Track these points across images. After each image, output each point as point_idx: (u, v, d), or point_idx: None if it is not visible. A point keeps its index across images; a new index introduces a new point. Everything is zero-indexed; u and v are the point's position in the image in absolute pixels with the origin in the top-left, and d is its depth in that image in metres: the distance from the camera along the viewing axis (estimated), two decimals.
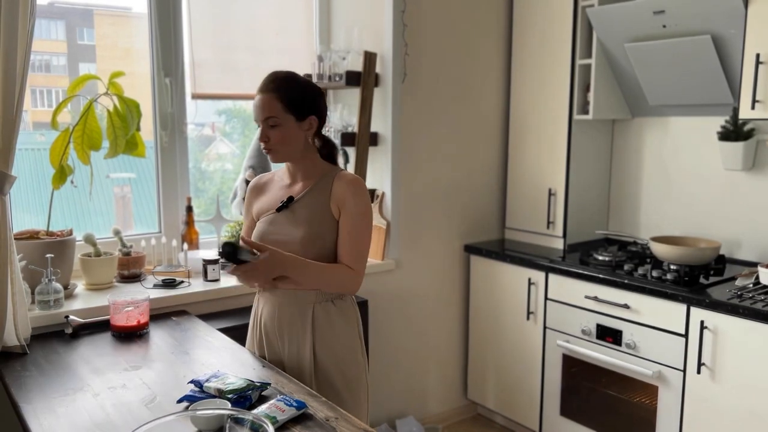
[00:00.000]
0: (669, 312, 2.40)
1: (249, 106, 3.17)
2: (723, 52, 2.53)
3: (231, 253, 1.66)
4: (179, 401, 1.54)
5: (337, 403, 1.73)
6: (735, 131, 2.67)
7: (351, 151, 2.90)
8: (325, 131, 2.95)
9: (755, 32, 2.34)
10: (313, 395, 1.60)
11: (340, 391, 1.81)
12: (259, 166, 2.79)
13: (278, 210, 1.82)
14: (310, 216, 1.78)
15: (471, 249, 3.22)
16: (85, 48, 2.65)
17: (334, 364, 1.81)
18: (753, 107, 2.37)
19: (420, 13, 2.92)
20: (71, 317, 2.07)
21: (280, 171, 1.93)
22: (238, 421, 1.18)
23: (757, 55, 2.33)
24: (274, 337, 1.86)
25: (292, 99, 1.75)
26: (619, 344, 2.57)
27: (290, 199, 1.81)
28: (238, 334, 2.19)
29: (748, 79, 2.37)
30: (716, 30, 2.48)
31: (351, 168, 2.88)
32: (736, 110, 2.61)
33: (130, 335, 2.05)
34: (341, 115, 2.90)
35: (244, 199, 2.76)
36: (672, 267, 2.58)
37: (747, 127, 2.66)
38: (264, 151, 1.79)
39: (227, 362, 1.83)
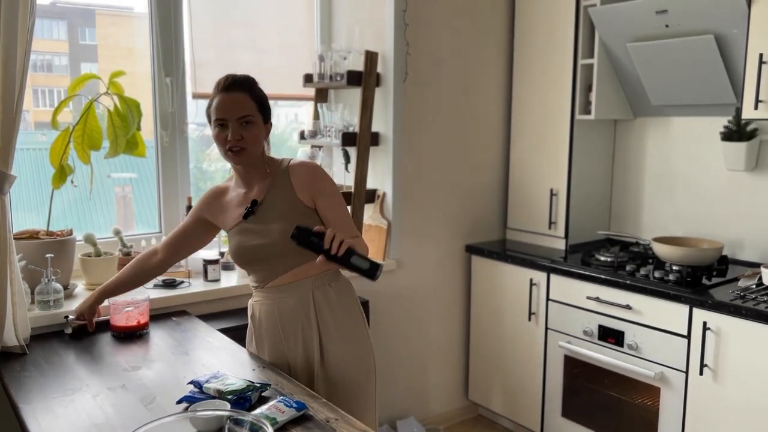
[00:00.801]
0: (671, 313, 2.39)
1: None
2: (726, 52, 2.52)
3: (305, 232, 1.61)
4: (179, 402, 1.53)
5: (350, 383, 1.81)
6: (738, 131, 2.66)
7: (352, 151, 2.89)
8: (320, 130, 2.98)
9: (758, 32, 2.33)
10: (313, 396, 1.60)
11: (350, 372, 1.83)
12: None
13: (245, 217, 1.81)
14: (282, 211, 1.78)
15: (472, 249, 3.21)
16: (86, 48, 2.65)
17: (341, 344, 1.83)
18: (756, 107, 2.36)
19: (421, 12, 2.91)
20: (71, 317, 2.06)
21: (231, 182, 1.92)
22: (237, 422, 1.18)
23: (761, 55, 2.31)
24: (276, 336, 1.86)
25: (261, 101, 1.79)
26: (621, 345, 2.56)
27: (254, 202, 1.81)
28: (238, 335, 2.18)
29: (751, 79, 2.36)
30: (719, 30, 2.47)
31: (352, 168, 2.88)
32: (738, 110, 2.60)
33: (130, 335, 2.05)
34: (342, 114, 2.90)
35: None
36: (674, 268, 2.57)
37: (750, 128, 2.65)
38: (230, 152, 1.75)
39: (227, 363, 1.82)
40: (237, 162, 1.79)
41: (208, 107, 1.80)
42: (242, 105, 1.74)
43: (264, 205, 1.80)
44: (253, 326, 1.93)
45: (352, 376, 1.84)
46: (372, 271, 1.62)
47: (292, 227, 1.69)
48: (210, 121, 1.79)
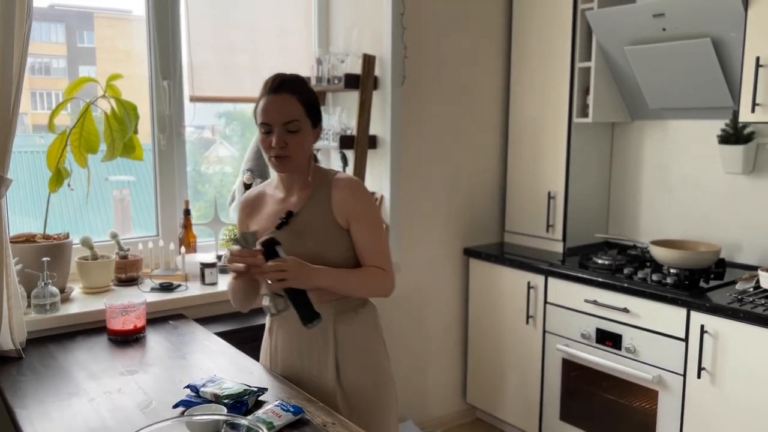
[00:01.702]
0: (669, 316, 2.39)
1: (249, 109, 3.16)
2: (723, 55, 2.52)
3: (270, 245, 1.54)
4: (175, 406, 1.53)
5: (368, 412, 1.71)
6: (735, 134, 2.66)
7: (350, 154, 2.89)
8: (322, 136, 2.97)
9: (755, 35, 2.33)
10: (310, 400, 1.59)
11: (370, 402, 1.73)
12: (257, 169, 2.78)
13: (278, 227, 1.67)
14: (314, 229, 1.66)
15: (470, 252, 3.21)
16: (84, 51, 2.65)
17: (360, 377, 1.72)
18: (753, 110, 2.36)
19: (419, 15, 2.91)
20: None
21: (270, 185, 1.80)
22: (234, 427, 1.17)
23: (757, 58, 2.32)
24: (292, 358, 1.75)
25: (310, 103, 1.65)
26: (619, 348, 2.56)
27: (289, 213, 1.68)
28: (235, 339, 2.18)
29: (748, 82, 2.36)
30: (716, 33, 2.47)
31: (350, 170, 2.88)
32: (736, 113, 2.60)
33: (127, 339, 2.04)
34: (340, 117, 2.90)
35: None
36: (672, 271, 2.57)
37: (747, 131, 2.65)
38: (274, 159, 1.63)
39: (224, 367, 1.82)
40: (280, 170, 1.67)
41: (255, 108, 1.67)
42: (289, 109, 1.61)
43: (299, 218, 1.67)
44: (270, 341, 1.83)
45: (369, 408, 1.73)
46: (304, 320, 1.54)
47: (324, 248, 1.63)
48: (257, 123, 1.66)
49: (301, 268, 1.56)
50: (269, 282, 1.57)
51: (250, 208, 1.79)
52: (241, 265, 1.56)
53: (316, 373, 1.72)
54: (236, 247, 1.58)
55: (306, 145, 1.65)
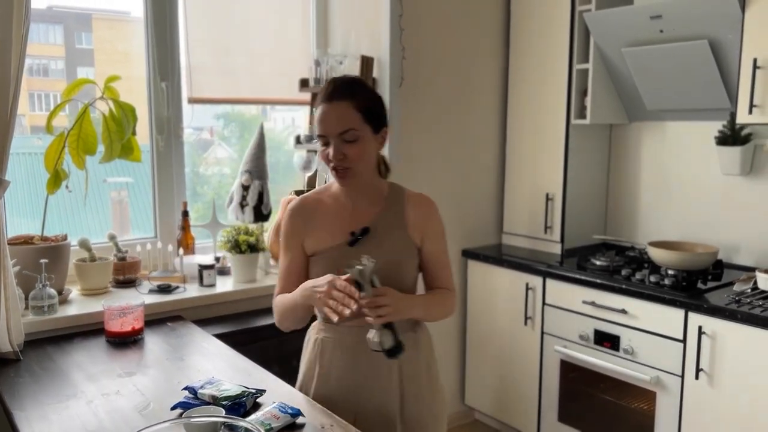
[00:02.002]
0: (667, 317, 2.39)
1: (247, 110, 3.16)
2: (720, 57, 2.52)
3: (364, 273, 1.42)
4: (173, 408, 1.53)
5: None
6: (732, 136, 2.67)
7: None
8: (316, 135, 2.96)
9: (752, 37, 2.34)
10: (309, 402, 1.59)
11: (428, 419, 1.66)
12: (256, 170, 2.78)
13: (351, 244, 1.54)
14: (389, 246, 1.56)
15: (468, 254, 3.21)
16: (83, 52, 2.65)
17: (422, 410, 1.63)
18: (750, 112, 2.36)
19: (417, 17, 2.92)
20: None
21: (325, 192, 1.65)
22: (232, 429, 1.17)
23: (755, 60, 2.32)
24: (350, 383, 1.61)
25: (369, 107, 1.52)
26: (617, 350, 2.56)
27: (365, 230, 1.55)
28: (233, 340, 2.18)
29: (745, 83, 2.37)
30: (713, 35, 2.48)
31: None
32: (733, 115, 2.60)
33: (125, 341, 2.04)
34: None
35: (241, 205, 2.77)
36: (670, 272, 2.57)
37: (744, 132, 2.65)
38: (333, 173, 1.51)
39: (222, 368, 1.82)
40: (344, 184, 1.55)
41: (313, 118, 1.60)
42: (344, 118, 1.48)
43: (372, 233, 1.56)
44: (318, 366, 1.64)
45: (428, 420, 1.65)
46: (392, 352, 1.44)
47: (396, 267, 1.54)
48: (314, 135, 1.60)
49: (401, 300, 1.48)
50: (368, 318, 1.44)
51: (308, 215, 1.62)
52: (351, 309, 1.40)
53: (377, 401, 1.59)
54: (341, 281, 1.43)
55: (367, 155, 1.52)
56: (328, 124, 1.49)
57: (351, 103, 1.49)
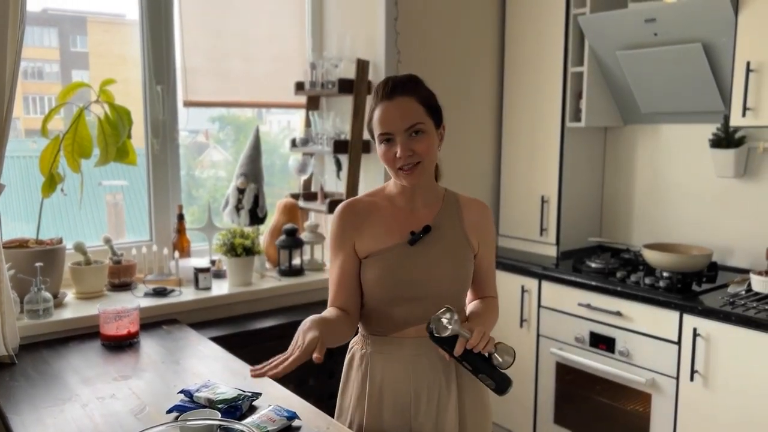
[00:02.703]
0: (662, 319, 2.40)
1: (242, 113, 3.16)
2: (714, 60, 2.54)
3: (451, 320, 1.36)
4: (169, 411, 1.53)
5: None
6: (726, 138, 2.68)
7: (344, 159, 2.89)
8: (311, 138, 2.97)
9: (745, 40, 2.35)
10: (305, 405, 1.59)
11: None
12: (251, 173, 2.78)
13: (411, 243, 1.48)
14: (450, 247, 1.51)
15: None
16: (78, 55, 2.65)
17: (478, 418, 1.57)
18: (744, 115, 2.38)
19: (412, 20, 2.92)
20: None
21: (380, 195, 1.57)
22: None
23: (748, 63, 2.34)
24: (404, 404, 1.50)
25: (429, 101, 1.48)
26: (613, 352, 2.57)
27: (427, 228, 1.49)
28: (229, 343, 2.18)
29: (738, 86, 2.38)
30: (707, 38, 2.49)
31: (343, 175, 2.88)
32: (727, 118, 2.62)
33: (120, 345, 2.03)
34: (334, 122, 2.90)
35: (236, 208, 2.77)
36: (664, 274, 2.58)
37: (738, 135, 2.67)
38: (402, 171, 1.44)
39: (218, 371, 1.82)
40: (412, 182, 1.46)
41: (369, 121, 1.49)
42: (409, 112, 1.43)
43: (433, 234, 1.50)
44: (367, 387, 1.52)
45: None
46: (502, 386, 1.40)
47: (458, 269, 1.51)
48: (373, 137, 1.47)
49: (485, 327, 1.42)
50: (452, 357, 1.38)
51: (362, 215, 1.53)
52: (281, 367, 1.32)
53: (434, 414, 1.50)
54: (305, 338, 1.34)
55: (434, 149, 1.46)
56: (393, 121, 1.43)
57: (414, 98, 1.45)
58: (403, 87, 1.45)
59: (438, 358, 1.47)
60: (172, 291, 2.46)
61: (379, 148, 1.46)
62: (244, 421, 1.43)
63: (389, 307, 1.49)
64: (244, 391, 1.57)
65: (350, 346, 1.60)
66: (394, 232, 1.50)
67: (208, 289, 2.52)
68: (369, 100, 2.90)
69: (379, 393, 1.51)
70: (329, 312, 1.48)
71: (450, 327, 1.35)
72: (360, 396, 1.53)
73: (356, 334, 1.58)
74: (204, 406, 1.51)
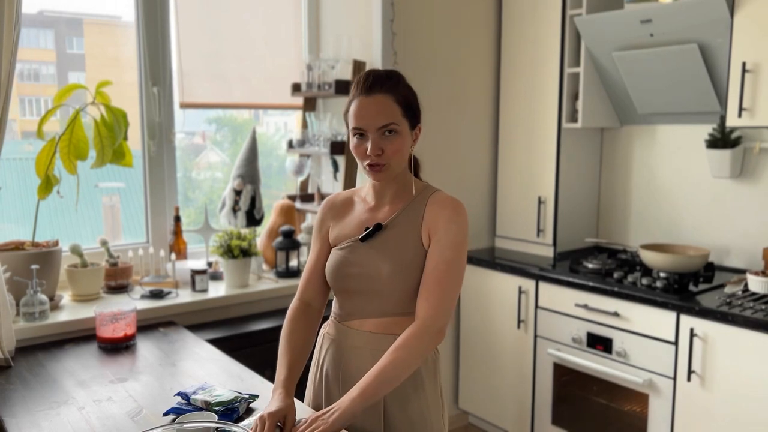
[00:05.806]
0: (659, 320, 2.40)
1: (239, 115, 3.16)
2: (710, 61, 2.55)
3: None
4: (165, 414, 1.52)
5: None
6: (722, 139, 2.69)
7: (340, 160, 2.89)
8: (308, 139, 2.97)
9: (741, 41, 2.36)
10: (302, 406, 1.59)
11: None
12: (248, 175, 2.78)
13: (363, 239, 1.49)
14: (399, 245, 1.47)
15: None
16: (74, 57, 2.64)
17: (403, 421, 1.50)
18: (740, 115, 2.38)
19: (409, 21, 2.93)
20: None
21: (359, 191, 1.61)
22: None
23: (743, 64, 2.34)
24: (339, 390, 1.52)
25: (408, 102, 1.46)
26: (610, 352, 2.57)
27: (378, 226, 1.49)
28: (226, 346, 2.17)
29: (734, 87, 2.39)
30: (703, 39, 2.50)
31: (340, 176, 2.88)
32: (723, 118, 2.63)
33: (117, 347, 2.03)
34: (330, 123, 2.90)
35: (233, 210, 2.77)
36: (661, 275, 2.59)
37: (734, 135, 2.67)
38: (369, 167, 1.44)
39: (215, 374, 1.81)
40: (377, 179, 1.47)
41: (345, 112, 1.48)
42: (384, 111, 1.42)
43: (386, 231, 1.49)
44: (317, 362, 1.60)
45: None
46: None
47: (404, 269, 1.44)
48: (347, 127, 1.48)
49: (319, 417, 1.34)
50: None
51: (336, 211, 1.59)
52: None
53: (397, 414, 1.48)
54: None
55: (404, 150, 1.45)
56: (367, 118, 1.42)
57: (392, 97, 1.43)
58: (382, 84, 1.44)
59: (372, 360, 1.43)
60: (169, 293, 2.45)
61: (351, 140, 1.47)
62: (241, 424, 1.43)
63: (339, 296, 1.56)
64: (241, 394, 1.57)
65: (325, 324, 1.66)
66: (355, 227, 1.54)
67: (205, 291, 2.51)
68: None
69: (321, 374, 1.57)
70: (287, 352, 1.50)
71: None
72: (313, 372, 1.61)
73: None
74: (201, 409, 1.51)
